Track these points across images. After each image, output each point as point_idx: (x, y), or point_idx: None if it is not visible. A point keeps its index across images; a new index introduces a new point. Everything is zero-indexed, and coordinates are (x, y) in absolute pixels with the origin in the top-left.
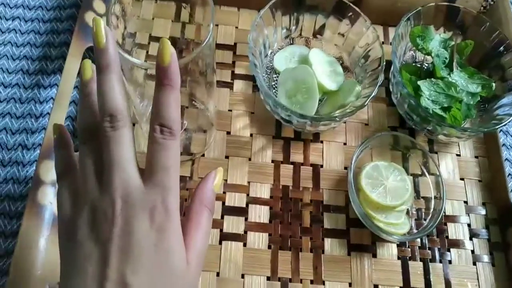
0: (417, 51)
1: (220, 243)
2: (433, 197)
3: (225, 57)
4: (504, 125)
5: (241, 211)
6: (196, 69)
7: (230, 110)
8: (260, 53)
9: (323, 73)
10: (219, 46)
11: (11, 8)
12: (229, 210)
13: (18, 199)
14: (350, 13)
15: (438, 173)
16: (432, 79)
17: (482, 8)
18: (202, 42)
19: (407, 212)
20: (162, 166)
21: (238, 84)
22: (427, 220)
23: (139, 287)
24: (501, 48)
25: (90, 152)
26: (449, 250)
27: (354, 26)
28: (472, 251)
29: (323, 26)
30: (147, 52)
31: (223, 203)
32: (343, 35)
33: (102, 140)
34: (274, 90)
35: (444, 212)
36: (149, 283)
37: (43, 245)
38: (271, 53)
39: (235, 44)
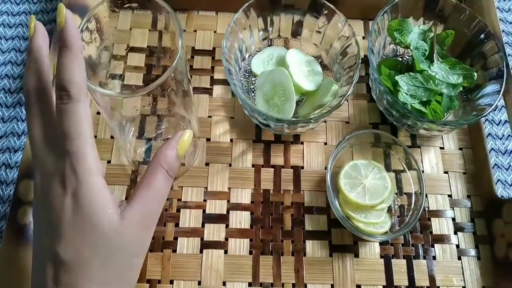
0: (402, 46)
1: (201, 251)
2: (413, 193)
3: (204, 63)
4: (484, 116)
5: (222, 218)
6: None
7: (210, 116)
8: (236, 58)
9: (301, 73)
10: (198, 52)
11: None
12: (209, 218)
13: (2, 218)
14: (326, 11)
15: (417, 168)
16: (411, 73)
17: None
18: (172, 62)
19: (389, 210)
20: (64, 132)
21: (217, 90)
22: (408, 217)
23: (73, 261)
24: (482, 36)
25: (37, 117)
26: (433, 246)
27: (330, 23)
28: (457, 246)
29: (300, 25)
30: (125, 62)
31: (204, 211)
32: (320, 33)
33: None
34: (252, 94)
35: (428, 207)
36: (80, 252)
37: (23, 264)
38: (249, 56)
39: (214, 48)
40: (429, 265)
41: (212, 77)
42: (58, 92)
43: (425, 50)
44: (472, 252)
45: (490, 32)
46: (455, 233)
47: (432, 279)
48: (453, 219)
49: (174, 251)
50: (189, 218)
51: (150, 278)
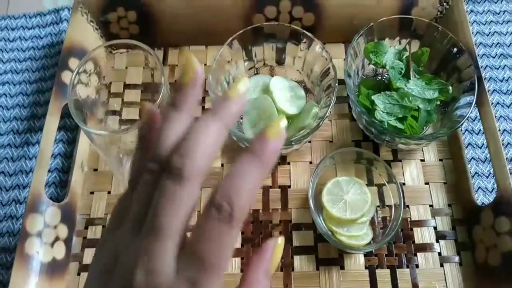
0: (378, 67)
1: None
2: (393, 205)
3: None
4: (457, 127)
5: None
6: None
7: None
8: (224, 89)
9: (284, 98)
10: None
11: (0, 74)
12: None
13: (13, 250)
14: (304, 38)
15: (395, 181)
16: (387, 92)
17: (438, 13)
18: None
19: (372, 222)
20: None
21: None
22: (389, 228)
23: None
24: (455, 50)
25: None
26: (416, 255)
27: (309, 49)
28: (439, 253)
29: (283, 53)
30: (122, 99)
31: None
32: (301, 58)
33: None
34: (240, 120)
35: (410, 218)
36: None
37: None
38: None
39: (205, 80)
40: (412, 273)
41: (203, 107)
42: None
43: (401, 69)
44: (454, 259)
45: (462, 47)
46: (437, 241)
47: (415, 286)
48: (435, 228)
49: None
50: None
51: None
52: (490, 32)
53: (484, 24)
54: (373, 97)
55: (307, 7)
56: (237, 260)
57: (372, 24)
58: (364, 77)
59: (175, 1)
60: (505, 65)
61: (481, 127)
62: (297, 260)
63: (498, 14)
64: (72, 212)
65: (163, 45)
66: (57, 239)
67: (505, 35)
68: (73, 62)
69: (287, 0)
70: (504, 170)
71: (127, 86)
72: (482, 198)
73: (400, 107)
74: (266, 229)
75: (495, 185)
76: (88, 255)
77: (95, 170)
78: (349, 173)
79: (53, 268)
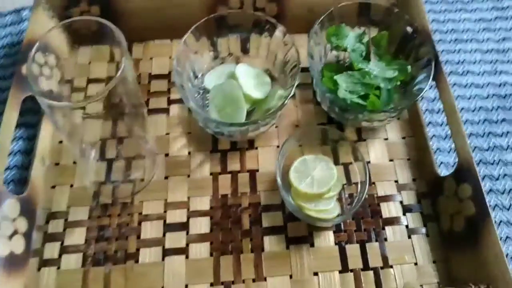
0: (340, 50)
1: (163, 259)
2: (359, 182)
3: (161, 86)
4: (418, 99)
5: (182, 226)
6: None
7: (168, 134)
8: (188, 76)
9: (250, 84)
10: (154, 77)
11: None
12: (170, 227)
13: None
14: (268, 26)
15: (360, 158)
16: (349, 72)
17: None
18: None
19: (340, 199)
20: None
21: (174, 109)
22: (355, 200)
23: None
24: (411, 31)
25: None
26: (384, 229)
27: (273, 37)
28: (407, 226)
29: (247, 42)
30: (85, 94)
31: (164, 221)
32: (266, 47)
33: None
34: (207, 108)
35: (376, 194)
36: None
37: None
38: (201, 74)
39: (169, 72)
40: (381, 246)
41: (168, 98)
42: None
43: (362, 51)
44: (421, 230)
45: (418, 27)
46: (404, 214)
47: (385, 259)
48: (401, 202)
49: (137, 261)
50: (150, 230)
51: None
52: (444, 20)
53: (439, 13)
54: (335, 77)
55: None
56: (206, 244)
57: (332, 9)
58: (327, 63)
59: None
60: (460, 48)
61: (441, 107)
62: (267, 240)
63: (452, 3)
64: (32, 206)
65: (127, 40)
66: (15, 232)
67: (458, 22)
68: (38, 56)
69: None
70: (463, 139)
71: (90, 81)
72: (444, 172)
73: (362, 85)
74: (236, 212)
75: (456, 159)
76: (49, 250)
77: (57, 164)
78: (315, 153)
79: (11, 263)
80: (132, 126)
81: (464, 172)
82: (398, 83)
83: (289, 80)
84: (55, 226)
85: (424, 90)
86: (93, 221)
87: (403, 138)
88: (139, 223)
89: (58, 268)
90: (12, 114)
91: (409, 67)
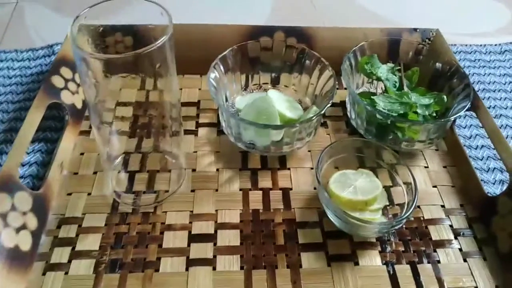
0: (371, 84)
1: (187, 269)
2: (406, 203)
3: (190, 111)
4: (459, 115)
5: (209, 237)
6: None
7: (195, 152)
8: (221, 98)
9: (283, 106)
10: (184, 104)
11: None
12: (196, 238)
13: None
14: (301, 55)
15: (409, 174)
16: (386, 94)
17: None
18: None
19: (385, 214)
20: None
21: (203, 131)
22: (404, 211)
23: None
24: (443, 67)
25: None
26: (435, 251)
27: (304, 67)
28: (460, 249)
29: (278, 77)
30: (114, 114)
31: (189, 232)
32: (298, 82)
33: None
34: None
35: (423, 217)
36: None
37: None
38: (233, 98)
39: (199, 101)
40: (435, 268)
41: (197, 122)
42: None
43: (395, 82)
44: (477, 253)
45: (451, 61)
46: (455, 238)
47: (440, 281)
48: (451, 226)
49: (157, 270)
50: (174, 239)
51: None
52: (469, 73)
53: (464, 68)
54: (372, 97)
55: (299, 38)
56: (236, 257)
57: (363, 43)
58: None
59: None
60: (489, 96)
61: (472, 132)
62: (305, 256)
63: (474, 61)
64: (45, 206)
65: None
66: (24, 227)
67: (484, 75)
68: (65, 71)
69: (281, 32)
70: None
71: (119, 104)
72: (488, 191)
73: (400, 104)
74: (268, 227)
75: (496, 177)
76: (58, 255)
77: (76, 173)
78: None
79: (14, 258)
80: (165, 141)
81: None
82: (434, 114)
83: (323, 102)
84: (67, 231)
85: (465, 108)
86: (111, 228)
87: (444, 167)
88: (161, 233)
89: (66, 273)
90: (36, 113)
91: (444, 96)
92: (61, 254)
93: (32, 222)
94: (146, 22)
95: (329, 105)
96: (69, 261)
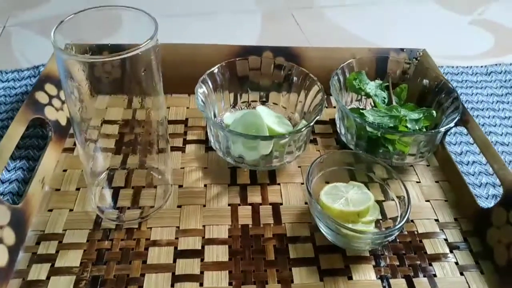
0: (360, 101)
1: (172, 286)
2: (399, 215)
3: (177, 129)
4: (451, 127)
5: (196, 253)
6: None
7: (183, 168)
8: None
9: (271, 121)
10: (172, 122)
11: None
12: (181, 253)
13: None
14: (289, 72)
15: (402, 187)
16: (375, 108)
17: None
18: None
19: (376, 227)
20: None
21: (190, 147)
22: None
23: None
24: (432, 84)
25: None
26: (431, 265)
27: (292, 85)
28: (456, 263)
29: (267, 95)
30: (99, 132)
31: (175, 248)
32: (286, 100)
33: None
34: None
35: (417, 231)
36: None
37: None
38: (221, 114)
39: (187, 119)
40: (431, 282)
41: (185, 139)
42: None
43: (384, 98)
44: (474, 267)
45: (439, 77)
46: (451, 251)
47: None
48: (446, 240)
49: (141, 287)
50: (159, 255)
51: None
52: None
53: None
54: (362, 111)
55: (287, 58)
56: (225, 273)
57: (352, 60)
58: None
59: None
60: (478, 115)
61: (463, 149)
62: (297, 271)
63: (461, 82)
64: (24, 221)
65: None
66: (0, 241)
67: (472, 95)
68: (49, 88)
69: (269, 51)
70: (504, 167)
71: (105, 122)
72: (483, 205)
73: (389, 117)
74: (258, 242)
75: (489, 191)
76: (36, 272)
77: (57, 190)
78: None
79: None
80: (152, 158)
81: None
82: (424, 129)
83: (312, 115)
84: (47, 247)
85: (455, 120)
86: (92, 245)
87: (437, 182)
88: (146, 248)
89: None
90: (18, 127)
91: (434, 111)
92: (39, 271)
93: (9, 237)
94: (132, 30)
95: (318, 116)
96: (48, 278)
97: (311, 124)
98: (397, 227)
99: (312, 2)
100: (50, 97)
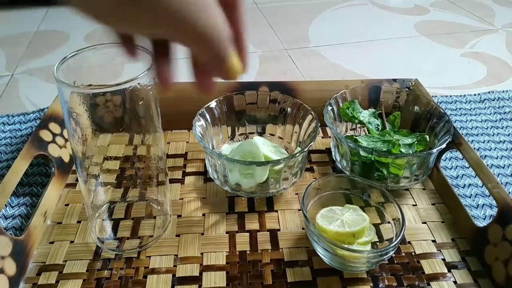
0: (354, 130)
1: None
2: (395, 234)
3: (177, 162)
4: (441, 148)
5: (194, 279)
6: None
7: (181, 198)
8: (207, 142)
9: (268, 150)
10: (171, 156)
11: None
12: (180, 280)
13: None
14: (284, 103)
15: (397, 209)
16: (368, 134)
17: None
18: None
19: (373, 248)
20: None
21: (189, 179)
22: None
23: None
24: (424, 110)
25: None
26: (429, 284)
27: (287, 116)
28: (455, 282)
29: (264, 128)
30: (101, 167)
31: (174, 275)
32: (282, 132)
33: None
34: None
35: (414, 252)
36: None
37: None
38: (218, 146)
39: (186, 152)
40: None
41: (184, 171)
42: None
43: (378, 125)
44: (473, 286)
45: (432, 103)
46: (449, 271)
47: None
48: (443, 260)
49: None
50: (157, 283)
51: None
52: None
53: None
54: (355, 137)
55: (282, 92)
56: None
57: (345, 90)
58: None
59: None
60: (473, 140)
61: (459, 173)
62: None
63: (455, 109)
64: (25, 253)
65: (142, 131)
66: (1, 271)
67: (466, 122)
68: (53, 126)
69: (265, 86)
70: (498, 186)
71: (106, 158)
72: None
73: (382, 142)
74: (256, 267)
75: (486, 212)
76: None
77: (59, 223)
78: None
79: None
80: (150, 189)
81: (508, 214)
82: (417, 149)
83: (307, 141)
84: (47, 277)
85: (447, 141)
86: (92, 274)
87: (433, 204)
88: (144, 276)
89: None
90: (22, 163)
91: (427, 136)
92: None
93: (11, 267)
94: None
95: (312, 142)
96: None
97: (305, 149)
98: (392, 245)
99: (309, 41)
100: (54, 135)
